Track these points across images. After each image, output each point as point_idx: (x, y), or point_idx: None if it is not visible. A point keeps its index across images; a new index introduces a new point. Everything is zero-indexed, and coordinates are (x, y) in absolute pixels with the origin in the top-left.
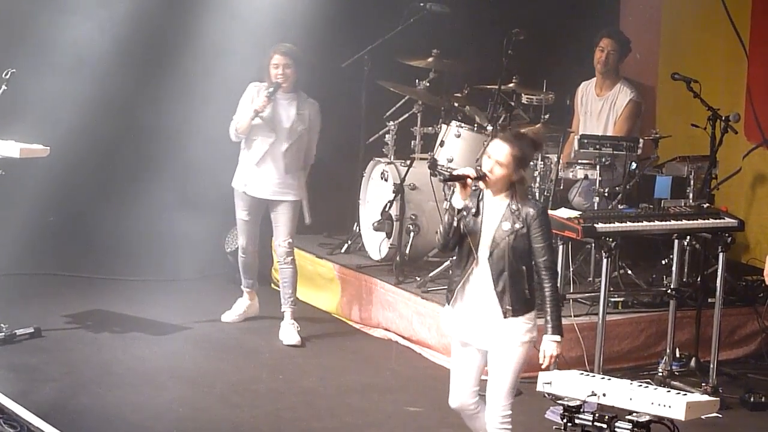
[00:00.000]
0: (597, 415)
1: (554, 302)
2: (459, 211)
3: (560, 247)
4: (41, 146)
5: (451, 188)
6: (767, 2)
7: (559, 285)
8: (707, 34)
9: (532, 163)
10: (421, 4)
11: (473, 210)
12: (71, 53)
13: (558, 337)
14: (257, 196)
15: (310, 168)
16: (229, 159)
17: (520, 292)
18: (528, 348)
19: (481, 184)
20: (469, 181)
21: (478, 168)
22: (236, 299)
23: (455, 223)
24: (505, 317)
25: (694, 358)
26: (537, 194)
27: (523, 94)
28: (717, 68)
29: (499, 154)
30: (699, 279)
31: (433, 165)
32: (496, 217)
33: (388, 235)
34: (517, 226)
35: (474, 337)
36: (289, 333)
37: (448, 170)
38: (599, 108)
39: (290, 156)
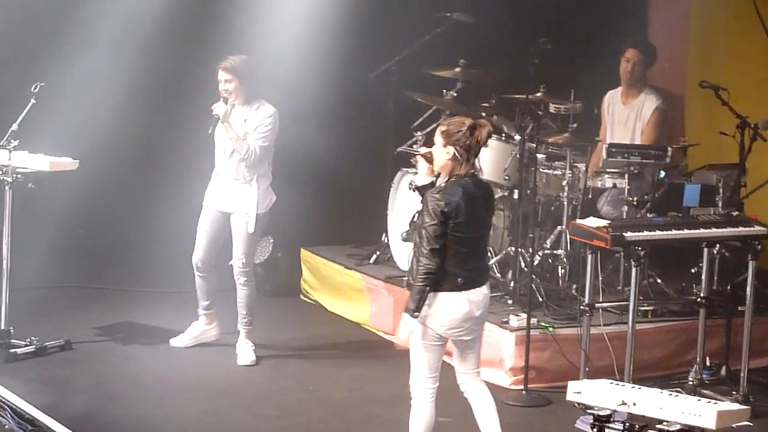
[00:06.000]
0: (627, 424)
1: None
2: None
3: (589, 257)
4: (70, 159)
5: None
6: None
7: (587, 294)
8: (738, 41)
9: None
10: (448, 14)
11: None
12: (99, 67)
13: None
14: (216, 208)
15: (268, 176)
16: None
17: None
18: None
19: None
20: None
21: None
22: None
23: None
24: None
25: (724, 367)
26: (565, 204)
27: (550, 104)
28: (748, 75)
29: None
30: (729, 287)
31: None
32: None
33: None
34: None
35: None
36: (243, 353)
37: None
38: (625, 116)
39: (238, 166)
